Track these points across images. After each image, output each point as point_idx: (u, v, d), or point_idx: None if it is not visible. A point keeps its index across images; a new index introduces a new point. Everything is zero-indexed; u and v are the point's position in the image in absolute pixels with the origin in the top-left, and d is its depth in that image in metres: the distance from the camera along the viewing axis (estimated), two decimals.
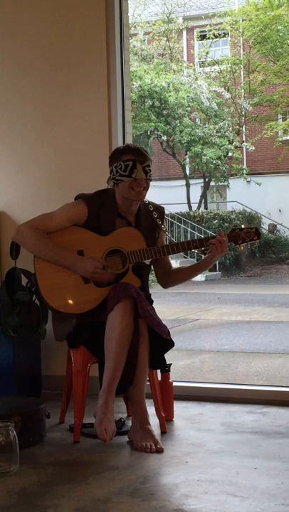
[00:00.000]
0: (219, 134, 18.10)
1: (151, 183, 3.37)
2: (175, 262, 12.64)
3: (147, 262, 3.32)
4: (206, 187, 19.68)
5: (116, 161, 3.29)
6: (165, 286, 3.49)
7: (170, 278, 3.46)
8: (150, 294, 3.38)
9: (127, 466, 2.86)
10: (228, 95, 18.91)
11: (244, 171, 19.47)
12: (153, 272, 3.46)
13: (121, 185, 3.27)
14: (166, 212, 3.54)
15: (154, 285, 3.52)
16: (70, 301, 3.24)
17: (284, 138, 19.01)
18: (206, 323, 8.91)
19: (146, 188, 3.30)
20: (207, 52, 19.88)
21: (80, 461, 2.94)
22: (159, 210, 3.45)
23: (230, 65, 19.46)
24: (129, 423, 3.26)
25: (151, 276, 3.44)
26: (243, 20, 18.82)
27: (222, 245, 3.25)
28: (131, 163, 3.24)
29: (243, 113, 19.25)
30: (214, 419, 3.54)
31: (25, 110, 4.28)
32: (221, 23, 19.37)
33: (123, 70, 4.15)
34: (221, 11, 19.73)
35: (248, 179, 19.69)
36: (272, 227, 18.57)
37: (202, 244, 3.29)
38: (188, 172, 19.67)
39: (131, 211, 3.34)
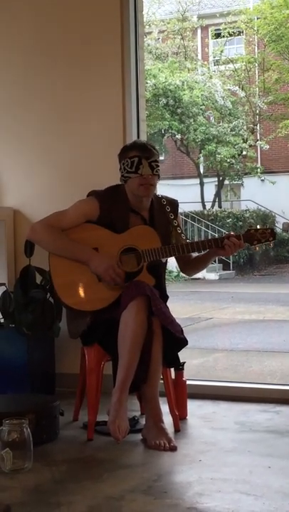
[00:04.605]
0: (233, 132, 18.05)
1: (166, 182, 3.39)
2: None
3: (163, 260, 3.33)
4: (220, 186, 19.63)
5: (123, 158, 3.32)
6: (189, 274, 3.61)
7: (191, 267, 3.48)
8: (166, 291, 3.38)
9: (140, 464, 2.87)
10: (242, 94, 18.86)
11: (258, 170, 19.41)
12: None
13: (129, 181, 3.28)
14: (180, 210, 3.52)
15: (168, 284, 3.51)
16: (84, 299, 3.25)
17: None
18: (220, 322, 8.89)
19: (155, 184, 3.30)
20: (222, 51, 19.83)
21: (93, 458, 2.94)
22: (173, 203, 3.45)
23: (244, 63, 19.39)
24: (143, 421, 3.26)
25: (168, 276, 3.43)
26: (257, 19, 18.75)
27: (237, 248, 3.27)
28: (137, 159, 3.25)
29: (257, 111, 19.18)
30: (228, 417, 3.53)
31: (39, 109, 4.30)
32: (235, 22, 19.31)
33: (138, 68, 4.15)
34: (235, 9, 19.68)
35: (262, 178, 19.61)
36: (287, 226, 18.49)
37: (217, 244, 3.28)
38: (202, 171, 19.62)
39: (143, 206, 3.34)
